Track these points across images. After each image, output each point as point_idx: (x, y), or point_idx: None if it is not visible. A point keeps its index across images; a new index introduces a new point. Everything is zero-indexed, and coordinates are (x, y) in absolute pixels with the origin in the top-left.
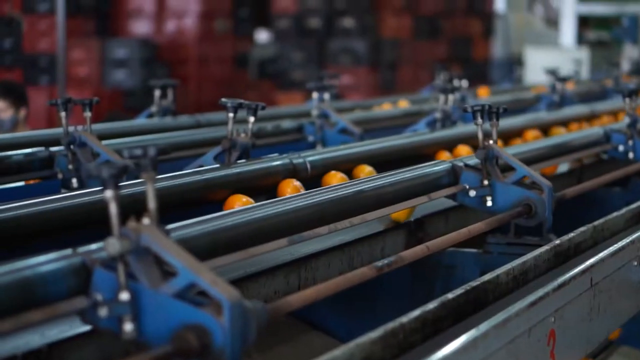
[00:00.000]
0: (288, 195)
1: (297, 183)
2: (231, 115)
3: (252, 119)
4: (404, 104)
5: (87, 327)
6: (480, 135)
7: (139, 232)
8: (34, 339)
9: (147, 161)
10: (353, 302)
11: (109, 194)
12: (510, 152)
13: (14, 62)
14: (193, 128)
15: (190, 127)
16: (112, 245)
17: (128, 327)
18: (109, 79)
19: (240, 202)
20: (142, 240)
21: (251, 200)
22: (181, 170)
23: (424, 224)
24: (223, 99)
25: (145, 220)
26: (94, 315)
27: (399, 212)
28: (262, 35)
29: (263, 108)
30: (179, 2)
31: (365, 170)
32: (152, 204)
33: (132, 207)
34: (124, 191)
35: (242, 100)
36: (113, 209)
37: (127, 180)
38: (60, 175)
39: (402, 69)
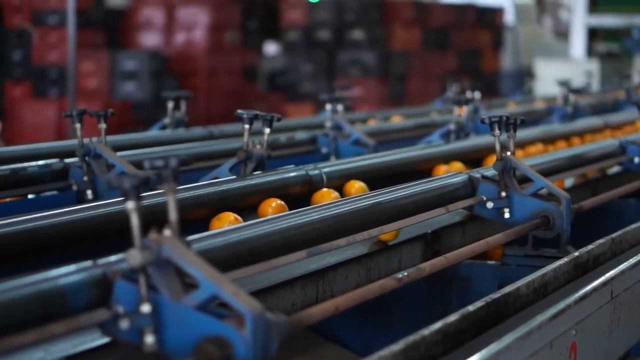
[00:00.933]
0: (307, 207)
1: (279, 202)
2: (247, 126)
3: (267, 130)
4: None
5: (106, 339)
6: (497, 147)
7: (160, 243)
8: (54, 352)
9: (168, 172)
10: (368, 314)
11: (130, 205)
12: (527, 164)
13: (23, 75)
14: (206, 140)
15: (203, 138)
16: (134, 256)
17: (149, 339)
18: (118, 91)
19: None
20: (164, 252)
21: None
22: (195, 182)
23: (441, 236)
24: (239, 110)
25: (167, 232)
26: (115, 327)
27: (386, 233)
28: (271, 48)
29: (279, 119)
30: (189, 15)
31: (356, 185)
32: (173, 215)
33: (148, 219)
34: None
35: (257, 112)
36: (134, 220)
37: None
38: (74, 187)
39: (411, 81)
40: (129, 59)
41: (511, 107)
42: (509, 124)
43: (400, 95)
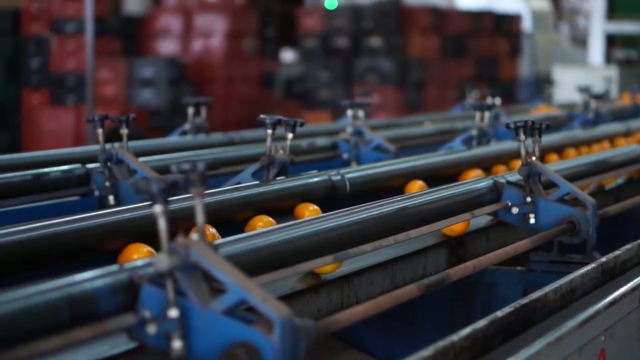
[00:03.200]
0: (332, 212)
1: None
2: (270, 131)
3: (290, 135)
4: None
5: (133, 345)
6: (522, 152)
7: (188, 247)
8: (79, 357)
9: (195, 176)
10: (390, 320)
11: (158, 209)
12: (552, 169)
13: (41, 82)
14: (226, 145)
15: (223, 144)
16: (161, 261)
17: (177, 344)
18: (135, 99)
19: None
20: (191, 256)
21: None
22: (216, 187)
23: (465, 242)
24: (262, 115)
25: (194, 236)
26: (141, 333)
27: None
28: (288, 55)
29: (302, 124)
30: (206, 22)
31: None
32: (200, 219)
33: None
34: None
35: (280, 117)
36: (162, 224)
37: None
38: (96, 193)
39: (428, 88)
40: (146, 66)
41: (537, 113)
42: (534, 129)
43: (417, 103)
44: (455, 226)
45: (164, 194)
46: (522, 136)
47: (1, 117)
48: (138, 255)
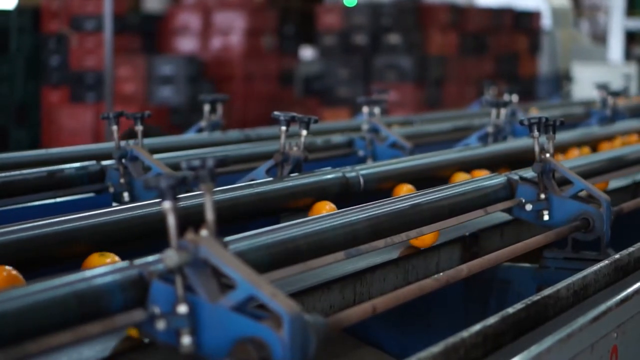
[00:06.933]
0: (345, 209)
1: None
2: (284, 128)
3: (304, 132)
4: None
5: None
6: (536, 149)
7: (197, 244)
8: (90, 353)
9: (205, 172)
10: (405, 317)
11: (167, 205)
12: (566, 166)
13: (61, 80)
14: (242, 142)
15: (239, 141)
16: (170, 257)
17: (186, 340)
18: (154, 96)
19: None
20: (200, 252)
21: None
22: (232, 184)
23: (479, 239)
24: (276, 112)
25: (203, 232)
26: (151, 329)
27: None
28: (307, 52)
29: (316, 121)
30: (225, 20)
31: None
32: (210, 215)
33: (185, 221)
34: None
35: (294, 114)
36: (171, 220)
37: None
38: (111, 189)
39: (447, 86)
40: (166, 63)
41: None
42: (548, 126)
43: (436, 100)
44: (425, 238)
45: (173, 190)
46: (536, 133)
47: (21, 114)
48: None
